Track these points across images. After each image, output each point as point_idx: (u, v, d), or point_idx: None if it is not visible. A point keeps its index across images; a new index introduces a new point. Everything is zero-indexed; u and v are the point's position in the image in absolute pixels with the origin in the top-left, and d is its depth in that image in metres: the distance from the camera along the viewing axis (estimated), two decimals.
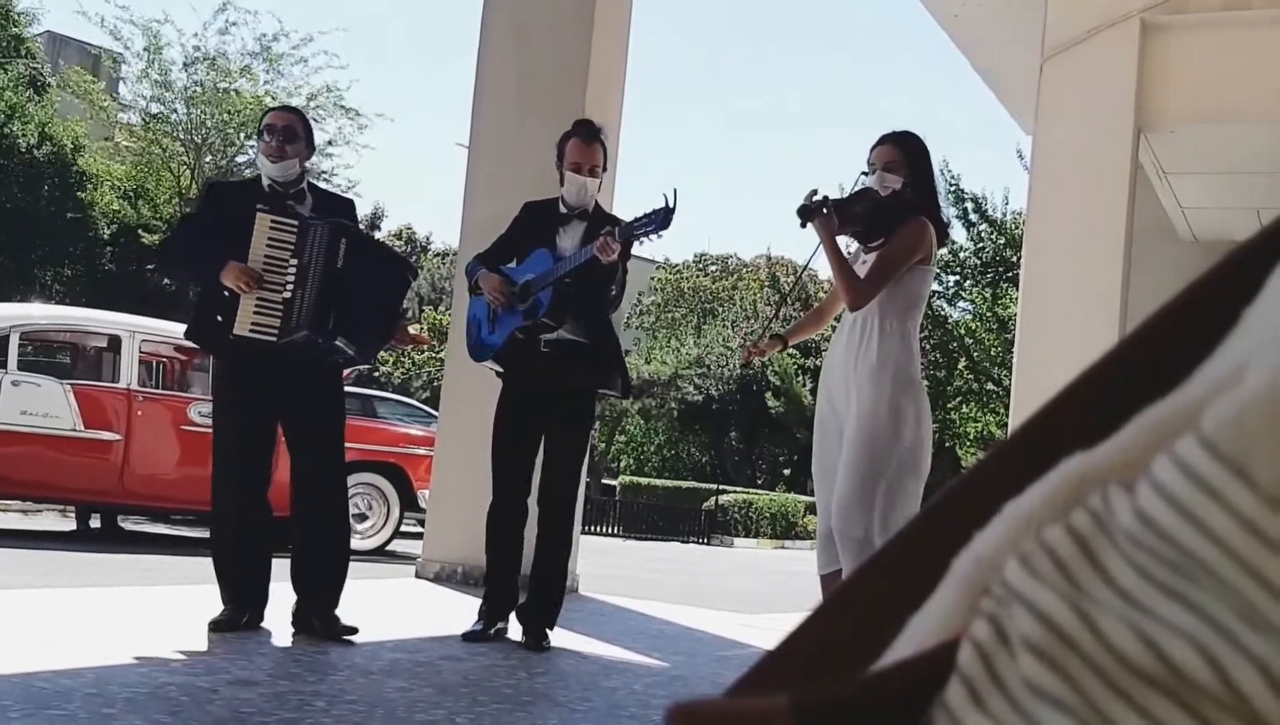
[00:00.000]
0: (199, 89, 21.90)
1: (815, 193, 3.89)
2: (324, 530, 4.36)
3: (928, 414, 3.91)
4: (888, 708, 0.40)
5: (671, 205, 4.11)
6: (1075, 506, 0.39)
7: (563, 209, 4.54)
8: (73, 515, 9.91)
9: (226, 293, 4.12)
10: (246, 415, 4.21)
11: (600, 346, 4.49)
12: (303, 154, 4.30)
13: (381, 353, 4.87)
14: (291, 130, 4.26)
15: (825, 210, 3.84)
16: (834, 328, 4.24)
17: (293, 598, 4.35)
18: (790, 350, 31.19)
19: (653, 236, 4.21)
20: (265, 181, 4.28)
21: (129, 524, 10.23)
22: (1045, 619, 0.37)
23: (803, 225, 3.88)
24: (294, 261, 4.12)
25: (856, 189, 4.01)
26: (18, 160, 23.07)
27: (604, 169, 4.57)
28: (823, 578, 3.94)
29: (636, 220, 4.24)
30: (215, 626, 4.08)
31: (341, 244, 4.16)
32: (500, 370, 4.59)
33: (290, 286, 4.10)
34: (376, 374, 27.08)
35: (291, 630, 4.25)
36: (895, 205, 3.89)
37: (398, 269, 4.55)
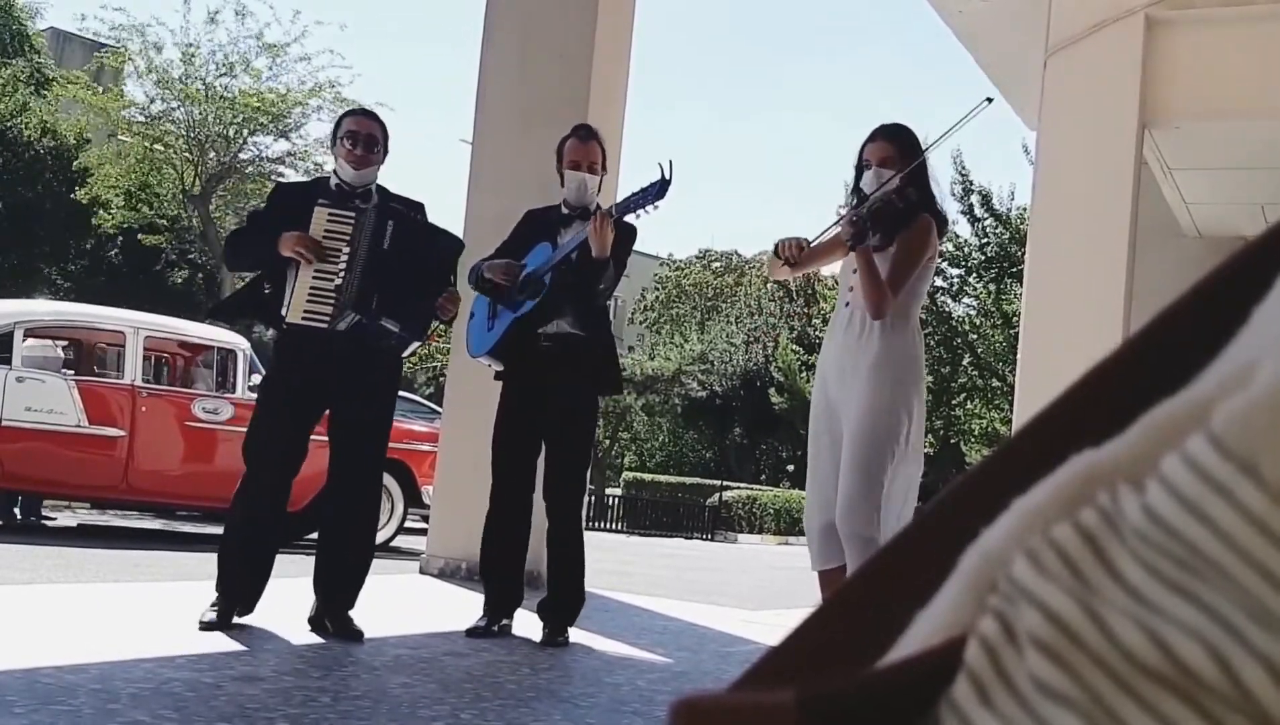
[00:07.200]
0: (199, 86, 21.85)
1: (855, 215, 3.84)
2: (352, 531, 4.32)
3: (924, 401, 3.91)
4: (894, 703, 0.40)
5: (668, 176, 4.12)
6: (1083, 504, 0.39)
7: (564, 210, 4.54)
8: None
9: (267, 288, 4.20)
10: (288, 408, 4.18)
11: (594, 341, 4.47)
12: (380, 160, 4.36)
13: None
14: (373, 138, 4.32)
15: (871, 232, 3.82)
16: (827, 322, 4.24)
17: (311, 597, 4.31)
18: (794, 347, 31.26)
19: (649, 209, 4.21)
20: (333, 182, 4.33)
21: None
22: (1053, 616, 0.37)
23: (852, 248, 3.86)
24: (347, 250, 4.16)
25: (875, 199, 3.90)
26: (21, 155, 23.08)
27: (603, 169, 4.57)
28: (821, 574, 3.94)
29: (632, 195, 4.24)
30: (204, 626, 4.01)
31: (388, 226, 4.20)
32: (500, 367, 4.58)
33: (342, 274, 4.15)
34: None
35: (308, 628, 4.23)
36: (908, 209, 3.88)
37: (445, 243, 4.52)
